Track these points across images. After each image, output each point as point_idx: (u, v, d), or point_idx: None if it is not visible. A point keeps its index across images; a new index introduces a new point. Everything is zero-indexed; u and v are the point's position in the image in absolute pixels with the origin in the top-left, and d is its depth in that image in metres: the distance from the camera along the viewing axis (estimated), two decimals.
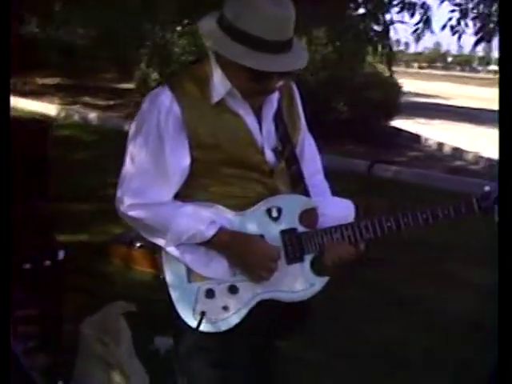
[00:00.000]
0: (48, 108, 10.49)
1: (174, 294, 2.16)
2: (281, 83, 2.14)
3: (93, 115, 10.37)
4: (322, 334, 4.18)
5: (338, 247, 2.19)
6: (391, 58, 5.54)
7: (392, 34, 5.21)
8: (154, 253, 4.83)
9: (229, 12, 2.04)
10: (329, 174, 2.40)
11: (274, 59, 2.02)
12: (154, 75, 10.85)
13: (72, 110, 10.66)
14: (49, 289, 3.30)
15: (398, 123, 11.60)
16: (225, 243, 2.13)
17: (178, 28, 10.96)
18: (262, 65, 2.01)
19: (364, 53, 5.99)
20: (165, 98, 2.09)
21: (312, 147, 2.41)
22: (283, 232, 2.19)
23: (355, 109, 10.12)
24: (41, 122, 4.89)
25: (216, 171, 2.15)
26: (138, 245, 5.10)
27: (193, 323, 2.14)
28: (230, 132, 2.14)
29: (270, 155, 2.21)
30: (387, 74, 9.75)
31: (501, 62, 2.20)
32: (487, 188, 2.21)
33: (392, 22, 5.18)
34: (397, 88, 11.33)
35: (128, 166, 2.14)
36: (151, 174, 2.11)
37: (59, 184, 4.48)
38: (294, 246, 2.19)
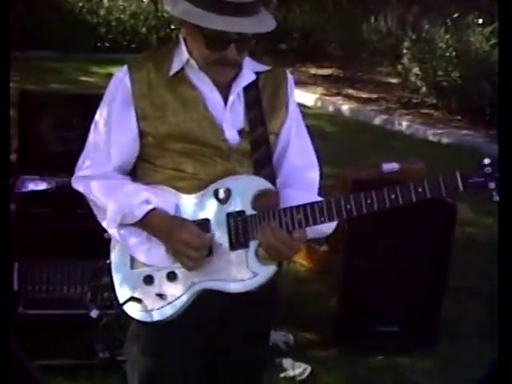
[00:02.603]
0: (306, 97, 10.68)
1: (116, 281, 2.09)
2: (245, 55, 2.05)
3: (346, 107, 10.33)
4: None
5: (270, 234, 1.93)
6: None
7: None
8: (320, 245, 4.87)
9: None
10: None
11: (226, 20, 1.92)
12: (416, 70, 10.52)
13: (328, 100, 10.72)
14: None
15: None
16: (155, 226, 2.03)
17: (448, 21, 10.54)
18: (210, 23, 1.92)
19: None
20: (120, 72, 2.11)
21: (303, 141, 2.22)
22: (229, 215, 2.00)
23: None
24: None
25: (166, 148, 2.06)
26: None
27: (128, 310, 2.04)
28: (181, 104, 2.05)
29: (232, 134, 2.07)
30: None
31: (501, 60, 2.08)
32: (486, 161, 1.86)
33: None
34: None
35: (88, 139, 2.16)
36: (97, 145, 2.11)
37: None
38: (239, 230, 1.98)
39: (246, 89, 2.11)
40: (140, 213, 2.00)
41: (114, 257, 2.11)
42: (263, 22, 2.00)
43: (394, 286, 3.75)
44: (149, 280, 2.02)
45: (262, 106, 2.11)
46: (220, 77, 2.05)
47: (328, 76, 12.67)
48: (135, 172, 2.15)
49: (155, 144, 2.07)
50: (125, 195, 2.03)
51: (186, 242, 1.96)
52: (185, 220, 2.01)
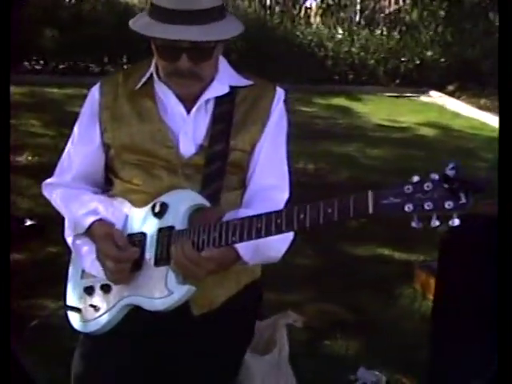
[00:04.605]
0: None
1: (68, 289, 2.13)
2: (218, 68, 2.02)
3: None
4: None
5: (180, 251, 1.86)
6: None
7: None
8: None
9: None
10: None
11: (168, 28, 1.90)
12: None
13: None
14: None
15: None
16: (96, 237, 2.02)
17: None
18: (150, 31, 1.92)
19: None
20: (95, 86, 2.14)
21: (275, 161, 2.09)
22: (160, 230, 1.95)
23: None
24: None
25: (123, 160, 2.07)
26: None
27: (70, 318, 2.08)
28: (137, 115, 2.04)
29: (187, 147, 2.02)
30: None
31: (500, 62, 2.06)
32: (415, 178, 1.59)
33: None
34: None
35: None
36: (65, 155, 2.18)
37: None
38: (164, 246, 1.93)
39: (219, 102, 2.05)
40: (86, 222, 2.02)
41: (71, 264, 2.15)
42: (215, 30, 1.93)
43: (489, 336, 3.33)
44: (90, 291, 2.03)
45: (231, 121, 2.03)
46: (182, 89, 2.01)
47: None
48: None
49: (116, 156, 2.08)
50: (78, 205, 2.07)
51: (105, 253, 1.95)
52: (116, 232, 1.99)
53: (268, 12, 12.34)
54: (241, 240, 1.80)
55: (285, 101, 2.12)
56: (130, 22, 2.02)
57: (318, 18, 12.65)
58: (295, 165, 7.79)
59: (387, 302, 4.58)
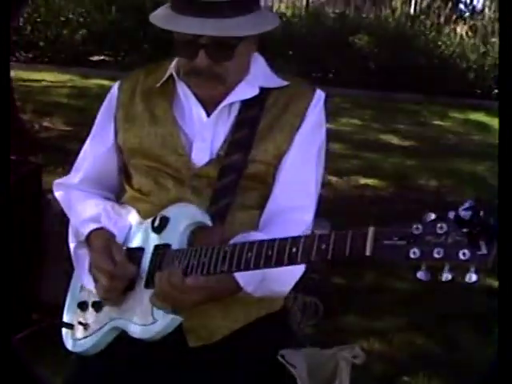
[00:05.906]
0: None
1: (66, 302, 1.95)
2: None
3: None
4: None
5: (166, 278, 1.63)
6: None
7: None
8: None
9: None
10: None
11: (184, 20, 1.69)
12: None
13: None
14: None
15: None
16: (93, 247, 1.82)
17: None
18: (164, 23, 1.73)
19: None
20: (116, 83, 1.96)
21: (302, 177, 1.81)
22: (156, 247, 1.73)
23: None
24: None
25: (133, 165, 1.88)
26: None
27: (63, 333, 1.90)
28: (150, 116, 1.84)
29: (201, 155, 1.79)
30: None
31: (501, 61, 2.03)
32: (431, 215, 1.30)
33: None
34: None
35: None
36: (80, 154, 2.00)
37: None
38: (156, 266, 1.71)
39: (246, 106, 1.80)
40: (85, 230, 1.84)
41: (74, 275, 1.97)
42: (236, 25, 1.69)
43: None
44: (84, 307, 1.85)
45: (256, 128, 1.78)
46: (202, 90, 1.79)
47: None
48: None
49: (127, 160, 1.90)
50: (81, 209, 1.90)
51: (99, 267, 1.76)
52: (114, 244, 1.79)
53: (409, 20, 11.86)
54: (229, 270, 1.57)
55: (325, 107, 1.86)
56: (152, 14, 1.82)
57: (464, 29, 12.03)
58: (418, 180, 7.40)
59: (486, 339, 4.15)
